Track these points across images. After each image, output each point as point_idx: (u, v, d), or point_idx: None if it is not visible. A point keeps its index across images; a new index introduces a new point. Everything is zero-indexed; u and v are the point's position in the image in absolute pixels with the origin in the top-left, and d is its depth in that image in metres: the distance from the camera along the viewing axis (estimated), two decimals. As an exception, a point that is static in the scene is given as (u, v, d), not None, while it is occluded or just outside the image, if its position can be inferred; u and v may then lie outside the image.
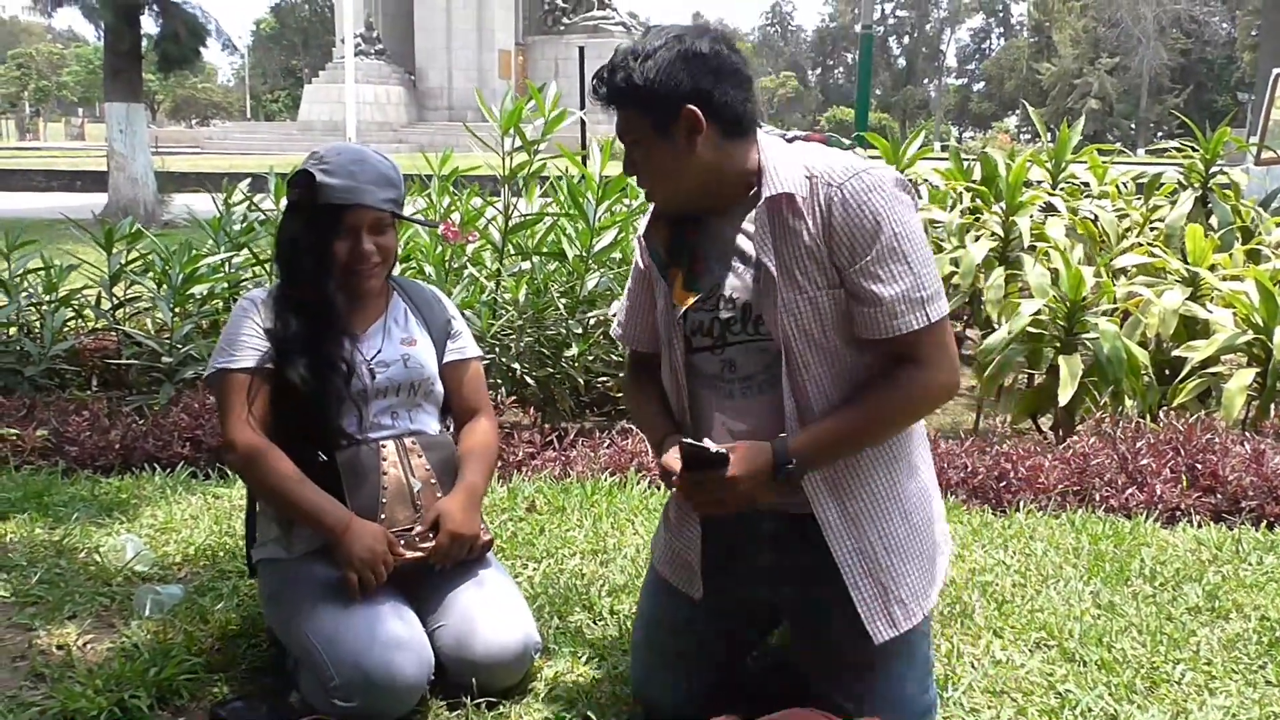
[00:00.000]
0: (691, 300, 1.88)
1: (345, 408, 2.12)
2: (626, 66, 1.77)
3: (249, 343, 2.12)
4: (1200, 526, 3.20)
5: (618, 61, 1.79)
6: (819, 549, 1.85)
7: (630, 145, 1.85)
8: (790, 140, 1.92)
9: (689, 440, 1.75)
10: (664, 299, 1.95)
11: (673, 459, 1.82)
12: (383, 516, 2.09)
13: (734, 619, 2.04)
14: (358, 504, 2.09)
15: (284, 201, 4.53)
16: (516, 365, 3.95)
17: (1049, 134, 6.03)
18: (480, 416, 2.36)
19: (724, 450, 1.74)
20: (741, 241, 1.85)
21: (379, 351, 2.20)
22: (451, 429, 2.36)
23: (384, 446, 2.15)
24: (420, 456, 2.18)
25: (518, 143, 3.87)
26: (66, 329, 4.50)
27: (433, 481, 2.18)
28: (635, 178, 1.91)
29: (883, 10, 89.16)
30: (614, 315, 2.03)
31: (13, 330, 4.39)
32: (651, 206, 1.99)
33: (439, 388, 2.30)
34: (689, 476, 1.79)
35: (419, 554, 2.09)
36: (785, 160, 1.81)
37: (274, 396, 2.11)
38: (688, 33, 1.78)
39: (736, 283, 1.85)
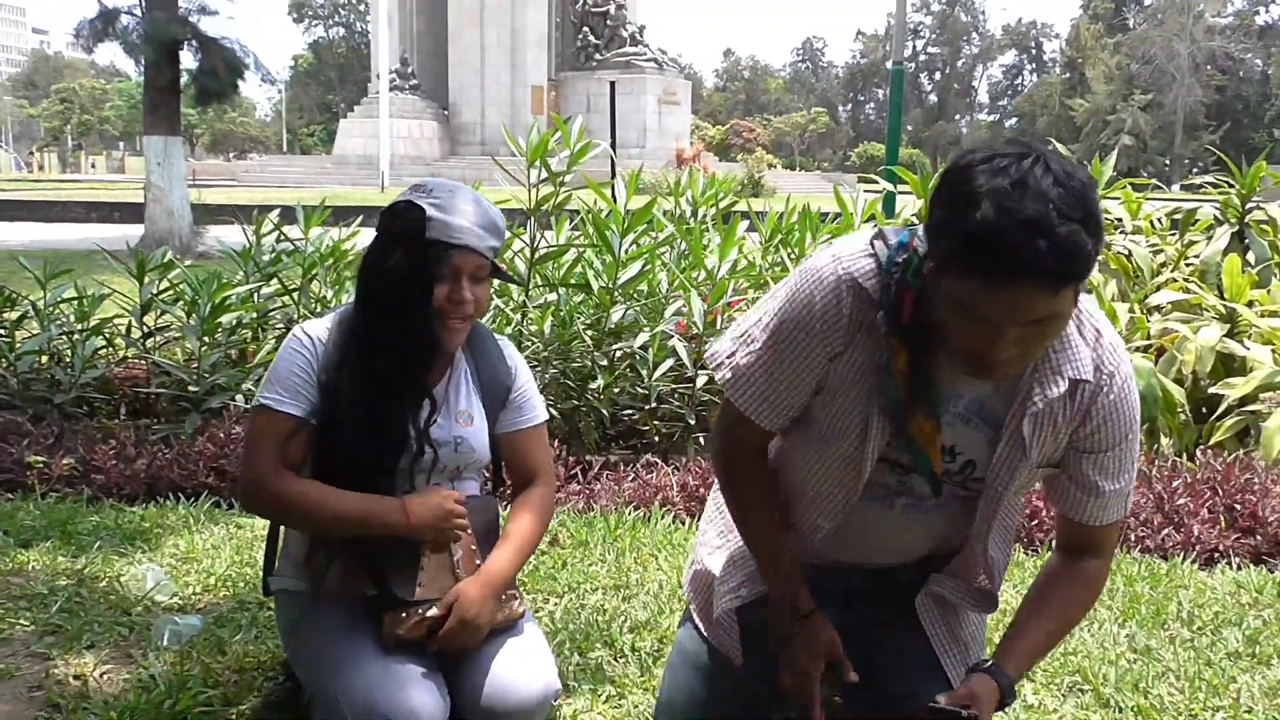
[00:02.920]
0: (939, 440, 1.66)
1: (394, 478, 2.01)
2: (1079, 238, 1.33)
3: (301, 389, 1.98)
4: (1239, 569, 3.12)
5: (1067, 235, 1.32)
6: (887, 605, 1.82)
7: (1042, 320, 1.42)
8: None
9: (938, 705, 1.61)
10: (867, 410, 1.66)
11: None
12: (420, 584, 1.98)
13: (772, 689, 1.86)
14: (394, 570, 1.98)
15: (314, 232, 4.61)
16: (541, 398, 3.93)
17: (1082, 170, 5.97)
18: (537, 484, 2.20)
19: (974, 712, 1.60)
20: (987, 396, 1.67)
21: (434, 425, 2.05)
22: (493, 488, 2.26)
23: None
24: (461, 519, 2.05)
25: (543, 174, 3.88)
26: (97, 357, 4.53)
27: (473, 548, 2.06)
28: (1004, 350, 1.44)
29: (914, 47, 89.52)
30: (719, 359, 1.72)
31: (44, 358, 4.42)
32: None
33: (486, 460, 2.17)
34: None
35: (415, 633, 1.94)
36: (1077, 336, 1.58)
37: (317, 449, 1.99)
38: (1092, 185, 1.41)
39: (965, 435, 1.68)
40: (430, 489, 2.01)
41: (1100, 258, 4.98)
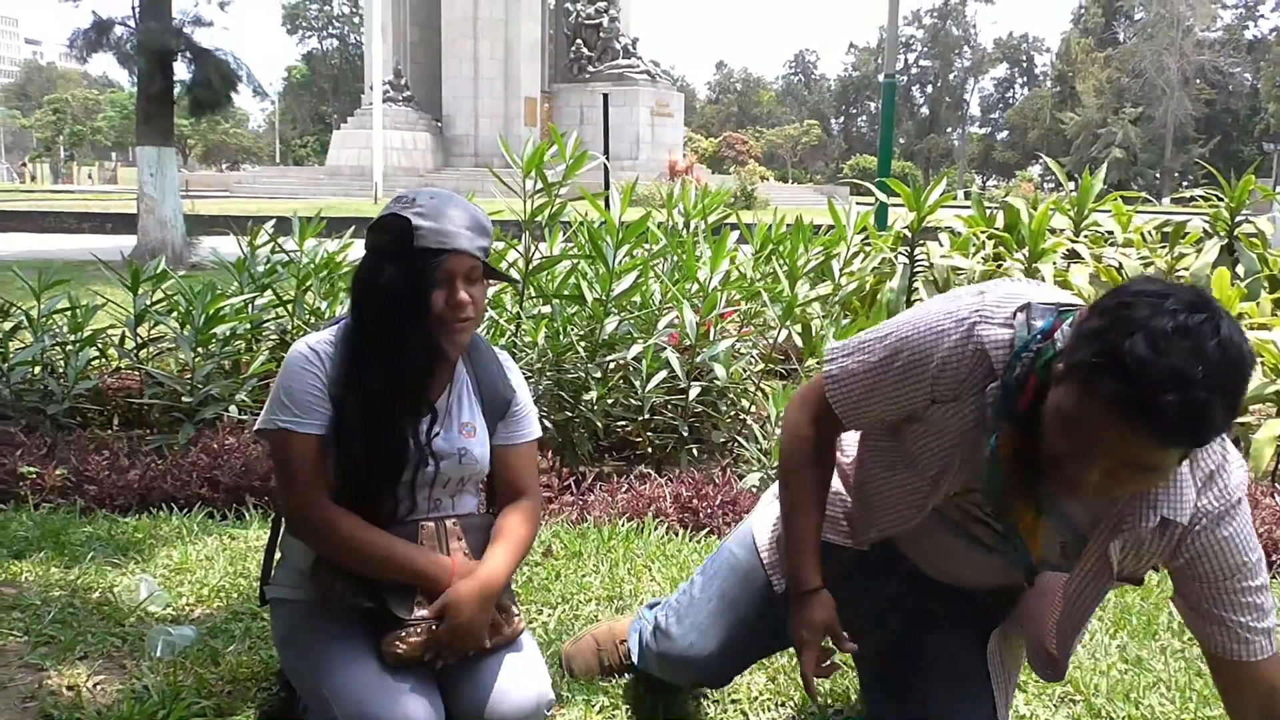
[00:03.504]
0: (1039, 532, 1.70)
1: (398, 491, 2.01)
2: (1212, 411, 1.32)
3: (316, 405, 1.95)
4: (1230, 580, 3.13)
5: (1203, 403, 1.30)
6: (949, 599, 1.92)
7: (1138, 467, 1.42)
8: None
9: None
10: (948, 461, 1.69)
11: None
12: (418, 602, 1.96)
13: None
14: (393, 588, 1.97)
15: (308, 244, 4.61)
16: (535, 409, 3.94)
17: (1071, 183, 6.01)
18: (523, 499, 2.18)
19: None
20: (1078, 511, 1.68)
21: (437, 437, 2.04)
22: (489, 508, 2.23)
23: (423, 527, 2.02)
24: (460, 540, 2.05)
25: (538, 185, 3.89)
26: (91, 368, 4.53)
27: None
28: (1088, 475, 1.44)
29: (906, 60, 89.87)
30: (834, 355, 1.80)
31: (37, 369, 4.42)
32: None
33: (487, 471, 2.16)
34: None
35: (414, 650, 1.93)
36: (1187, 475, 1.56)
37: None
38: (1251, 360, 1.38)
39: (1050, 543, 1.74)
40: (467, 584, 1.96)
41: (1090, 270, 4.93)
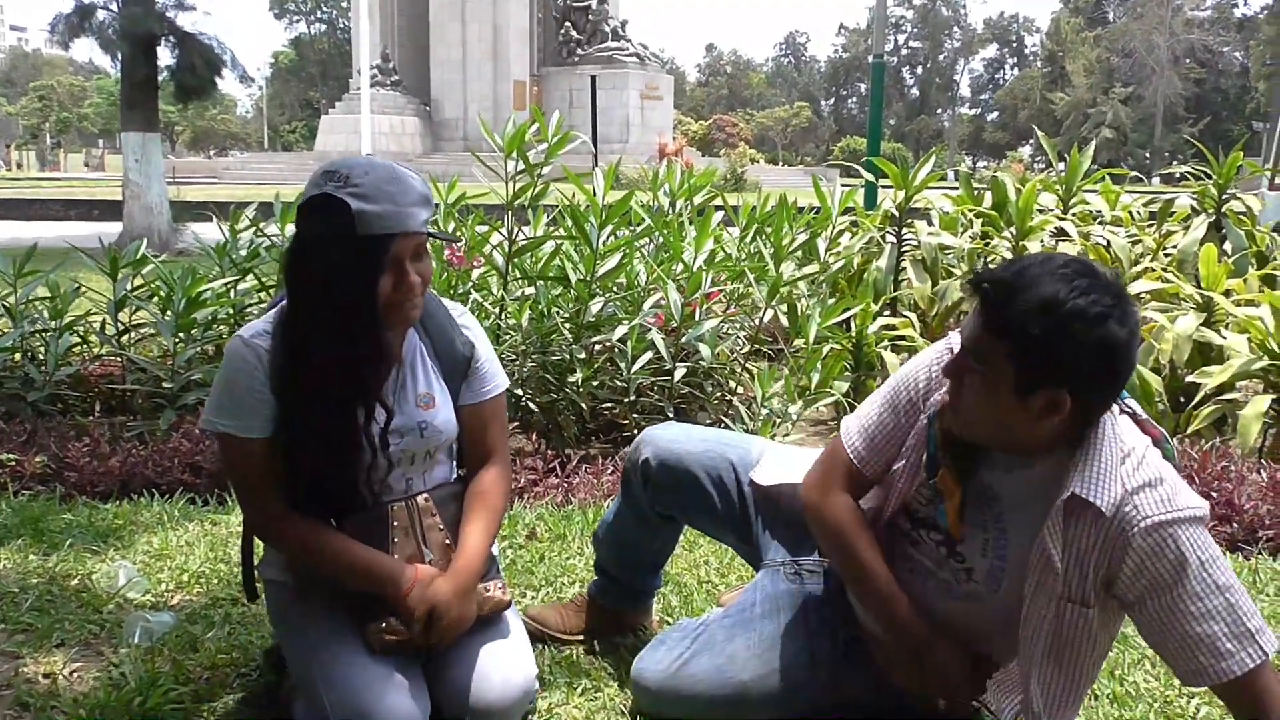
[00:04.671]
0: (958, 496, 1.77)
1: (354, 467, 1.94)
2: (1029, 311, 1.55)
3: (257, 409, 1.86)
4: (1216, 556, 3.12)
5: (1025, 299, 1.55)
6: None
7: (971, 365, 1.65)
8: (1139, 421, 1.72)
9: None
10: (913, 469, 1.85)
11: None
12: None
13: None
14: None
15: (290, 228, 4.56)
16: (520, 391, 3.91)
17: (1061, 163, 5.99)
18: (492, 464, 2.11)
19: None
20: (1017, 509, 1.74)
21: (394, 415, 1.96)
22: (461, 473, 2.17)
23: (394, 510, 1.97)
24: (434, 516, 2.01)
25: (520, 166, 3.85)
26: (71, 355, 4.49)
27: (447, 543, 2.01)
28: (952, 392, 1.71)
29: (896, 41, 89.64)
30: (844, 425, 1.99)
31: (17, 355, 4.37)
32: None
33: (455, 435, 2.08)
34: None
35: (403, 637, 1.91)
36: (1111, 467, 1.62)
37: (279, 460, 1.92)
38: (1116, 309, 1.55)
39: (974, 536, 1.79)
40: (446, 581, 1.93)
41: (1078, 248, 4.92)
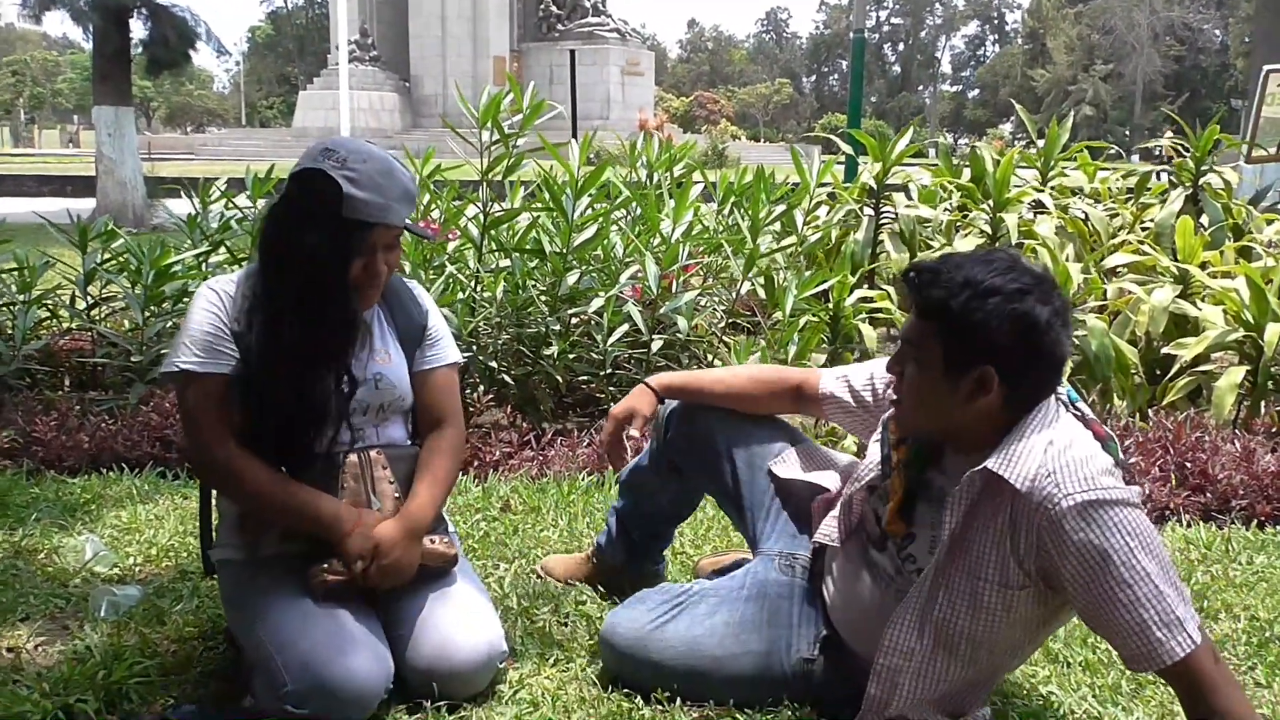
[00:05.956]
0: (899, 529, 1.83)
1: (317, 429, 1.98)
2: (950, 289, 1.64)
3: (218, 346, 1.93)
4: (1189, 526, 3.14)
5: (947, 279, 1.65)
6: None
7: (907, 352, 1.75)
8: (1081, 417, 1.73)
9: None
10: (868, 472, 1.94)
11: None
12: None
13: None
14: None
15: (262, 202, 4.50)
16: (495, 364, 3.88)
17: (1041, 139, 5.98)
18: (446, 428, 2.17)
19: None
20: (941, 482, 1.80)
21: (359, 384, 2.03)
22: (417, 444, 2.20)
23: (346, 459, 2.01)
24: (385, 469, 2.05)
25: (495, 138, 3.80)
26: (40, 329, 4.42)
27: (397, 496, 2.04)
28: (894, 383, 1.80)
29: (877, 17, 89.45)
30: (830, 384, 2.17)
31: (-16, 330, 4.30)
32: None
33: (409, 400, 2.15)
34: None
35: (341, 581, 1.95)
36: (1034, 449, 1.63)
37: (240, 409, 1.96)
38: (1037, 289, 1.62)
39: (923, 534, 1.82)
40: (382, 521, 1.99)
41: (1056, 221, 4.91)
